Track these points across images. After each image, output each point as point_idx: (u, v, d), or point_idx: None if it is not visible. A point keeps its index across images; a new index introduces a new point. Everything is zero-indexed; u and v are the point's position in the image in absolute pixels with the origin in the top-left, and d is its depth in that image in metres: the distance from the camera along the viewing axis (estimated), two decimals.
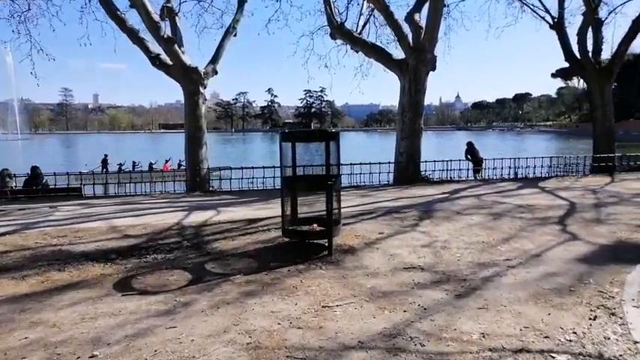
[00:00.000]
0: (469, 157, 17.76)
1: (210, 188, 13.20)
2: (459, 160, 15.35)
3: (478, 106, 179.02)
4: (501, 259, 5.82)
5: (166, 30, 12.83)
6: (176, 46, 12.93)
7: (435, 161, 14.57)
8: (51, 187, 12.05)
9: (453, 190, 12.09)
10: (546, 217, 8.28)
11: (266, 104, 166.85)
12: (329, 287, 4.82)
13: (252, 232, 7.41)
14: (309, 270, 5.40)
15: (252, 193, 12.17)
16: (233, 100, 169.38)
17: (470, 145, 18.35)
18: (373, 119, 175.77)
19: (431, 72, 14.43)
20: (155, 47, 13.16)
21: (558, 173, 15.70)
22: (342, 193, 6.87)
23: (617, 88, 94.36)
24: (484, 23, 48.97)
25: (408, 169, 14.26)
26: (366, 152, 50.10)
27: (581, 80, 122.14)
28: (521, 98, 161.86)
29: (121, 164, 28.03)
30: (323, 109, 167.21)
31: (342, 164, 14.37)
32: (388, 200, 10.58)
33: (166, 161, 28.87)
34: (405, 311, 4.16)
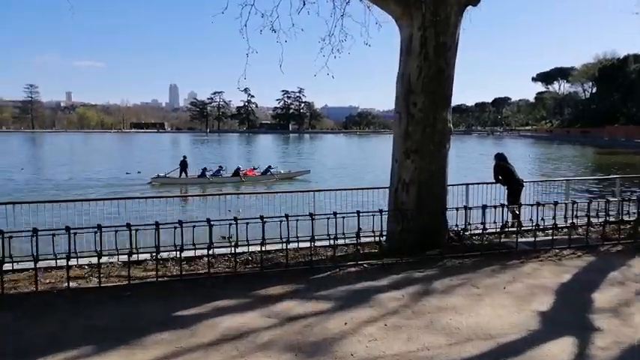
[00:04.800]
0: (500, 178, 10.00)
1: None
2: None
3: (457, 109, 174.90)
4: None
5: None
6: None
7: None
8: None
9: (556, 301, 4.49)
10: None
11: (242, 104, 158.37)
12: None
13: None
14: None
15: None
16: (208, 99, 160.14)
17: (500, 159, 10.36)
18: (352, 121, 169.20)
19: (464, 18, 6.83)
20: None
21: None
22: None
23: (598, 92, 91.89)
24: None
25: (419, 223, 6.58)
26: (348, 159, 42.47)
27: (562, 84, 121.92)
28: (500, 102, 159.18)
29: (205, 169, 25.49)
30: (301, 111, 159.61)
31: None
32: None
33: (254, 168, 27.53)
34: None
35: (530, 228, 7.12)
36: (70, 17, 8.80)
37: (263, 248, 5.68)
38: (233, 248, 5.61)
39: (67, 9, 7.78)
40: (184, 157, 26.32)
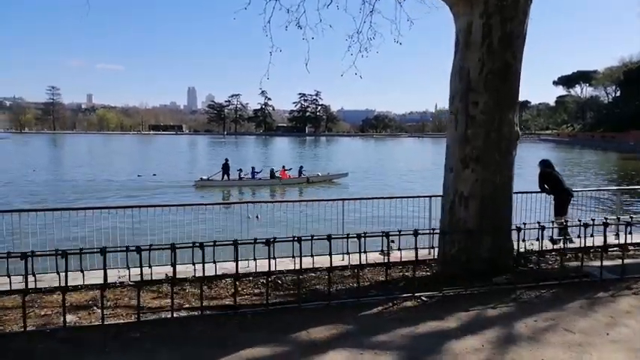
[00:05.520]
0: (546, 187, 8.94)
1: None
2: None
3: None
4: None
5: None
6: None
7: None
8: None
9: None
10: None
11: (259, 107, 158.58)
12: None
13: None
14: None
15: None
16: (226, 102, 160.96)
17: (546, 165, 9.26)
18: (369, 124, 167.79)
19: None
20: None
21: None
22: None
23: (622, 95, 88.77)
24: None
25: (481, 244, 5.56)
26: (365, 162, 41.00)
27: (585, 88, 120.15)
28: (520, 106, 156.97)
29: (240, 170, 25.46)
30: (318, 114, 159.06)
31: None
32: None
33: (283, 168, 26.69)
34: None
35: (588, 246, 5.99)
36: (84, 17, 8.29)
37: (296, 269, 4.72)
38: (256, 265, 4.67)
39: (86, 12, 7.50)
40: (226, 159, 26.21)
